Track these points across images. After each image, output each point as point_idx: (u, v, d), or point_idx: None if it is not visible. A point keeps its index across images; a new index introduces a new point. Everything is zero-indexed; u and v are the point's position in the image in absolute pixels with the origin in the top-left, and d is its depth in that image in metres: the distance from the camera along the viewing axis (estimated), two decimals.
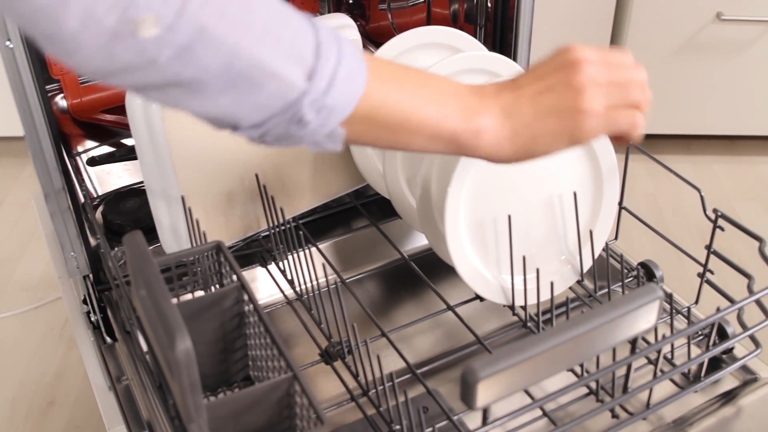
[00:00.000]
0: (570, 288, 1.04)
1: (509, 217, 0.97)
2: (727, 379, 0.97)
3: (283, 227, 1.07)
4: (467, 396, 0.65)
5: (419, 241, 1.23)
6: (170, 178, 1.01)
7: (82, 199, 1.10)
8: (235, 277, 0.87)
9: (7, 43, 0.94)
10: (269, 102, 0.60)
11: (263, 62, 0.58)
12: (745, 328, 0.91)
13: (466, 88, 0.68)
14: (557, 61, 0.70)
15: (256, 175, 1.08)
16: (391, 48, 1.08)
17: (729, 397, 0.95)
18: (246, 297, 0.86)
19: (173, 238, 1.05)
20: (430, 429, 0.82)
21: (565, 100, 0.68)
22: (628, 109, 0.70)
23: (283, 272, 1.08)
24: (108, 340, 1.11)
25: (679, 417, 0.93)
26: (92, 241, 1.12)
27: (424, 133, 0.66)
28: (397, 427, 0.85)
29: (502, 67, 1.04)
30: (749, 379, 0.97)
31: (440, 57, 1.04)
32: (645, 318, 0.71)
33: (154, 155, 0.99)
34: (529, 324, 1.01)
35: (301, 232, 1.07)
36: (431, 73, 0.69)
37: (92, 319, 1.13)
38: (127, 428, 0.97)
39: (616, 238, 1.11)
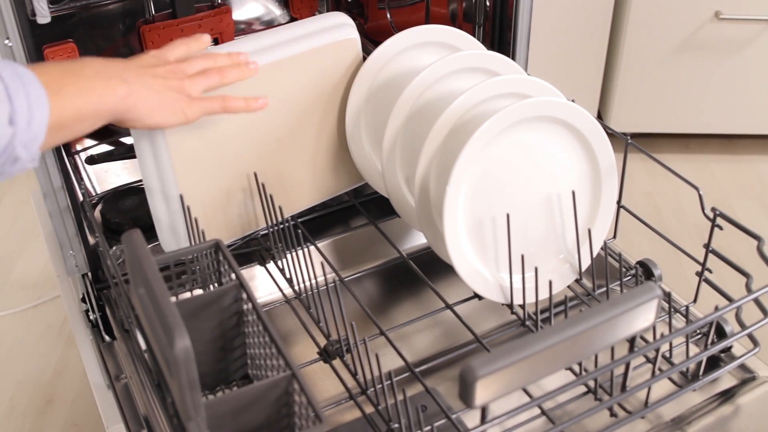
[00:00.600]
0: (568, 287, 1.04)
1: (508, 216, 0.97)
2: (726, 377, 0.98)
3: (281, 225, 1.07)
4: (466, 394, 0.65)
5: (418, 240, 1.23)
6: (169, 177, 1.01)
7: (81, 198, 1.10)
8: (233, 276, 0.87)
9: (6, 41, 0.94)
10: None
11: None
12: (743, 326, 0.91)
13: (108, 66, 0.83)
14: (160, 58, 0.91)
15: (255, 174, 1.08)
16: (390, 47, 1.08)
17: (727, 395, 0.95)
18: (245, 295, 0.86)
19: (172, 236, 1.05)
20: (429, 428, 0.82)
21: (174, 85, 0.89)
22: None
23: (282, 271, 1.08)
24: (107, 338, 1.11)
25: (678, 416, 0.93)
26: (91, 240, 1.12)
27: (91, 117, 0.80)
28: (396, 425, 0.85)
29: (500, 65, 1.04)
30: (747, 378, 0.98)
31: (439, 56, 1.04)
32: (643, 317, 0.71)
33: (152, 154, 0.99)
34: (527, 323, 1.01)
35: (299, 231, 1.07)
36: (81, 61, 0.81)
37: (91, 317, 1.13)
38: (125, 426, 0.97)
39: (614, 237, 1.11)
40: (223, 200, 1.07)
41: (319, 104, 1.10)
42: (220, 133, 1.03)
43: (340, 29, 1.10)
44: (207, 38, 0.97)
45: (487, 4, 1.28)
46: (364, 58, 1.10)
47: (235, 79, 0.96)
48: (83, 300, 1.15)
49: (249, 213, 1.10)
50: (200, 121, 0.99)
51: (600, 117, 2.63)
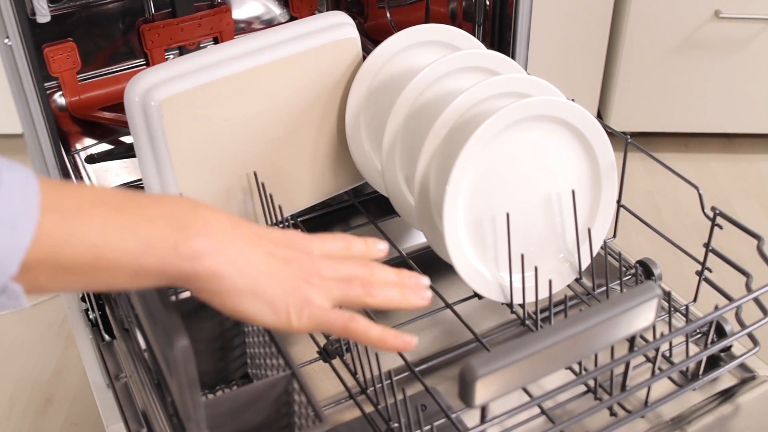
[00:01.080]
0: (568, 286, 1.04)
1: (507, 215, 0.97)
2: (726, 377, 0.98)
3: (281, 225, 1.07)
4: (465, 394, 0.65)
5: (418, 239, 1.22)
6: (168, 176, 1.00)
7: None
8: None
9: (6, 40, 0.94)
10: None
11: None
12: (743, 326, 0.91)
13: (180, 204, 0.59)
14: (296, 240, 0.68)
15: (255, 173, 1.08)
16: (389, 46, 1.08)
17: (727, 395, 0.95)
18: None
19: None
20: (428, 427, 0.83)
21: (295, 276, 0.64)
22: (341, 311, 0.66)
23: None
24: (106, 337, 1.11)
25: (678, 415, 0.93)
26: None
27: (123, 270, 0.56)
28: (395, 424, 0.85)
29: (500, 64, 1.04)
30: (747, 377, 0.98)
31: (438, 55, 1.04)
32: (643, 316, 0.71)
33: (152, 153, 0.99)
34: (527, 322, 1.01)
35: (299, 230, 1.07)
36: (134, 193, 0.59)
37: (90, 316, 1.13)
38: (125, 426, 0.97)
39: (614, 236, 1.11)
40: (222, 199, 1.07)
41: (319, 103, 1.10)
42: (219, 132, 1.03)
43: (339, 28, 1.09)
44: (385, 248, 0.74)
45: (487, 3, 1.28)
46: (364, 57, 1.10)
47: (392, 306, 0.70)
48: (83, 299, 1.15)
49: (249, 212, 1.10)
50: (198, 118, 0.98)
51: (600, 116, 2.63)
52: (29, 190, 0.52)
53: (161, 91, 0.96)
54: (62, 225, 0.53)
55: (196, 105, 0.99)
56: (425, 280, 0.71)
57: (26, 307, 0.54)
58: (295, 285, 0.64)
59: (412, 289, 0.70)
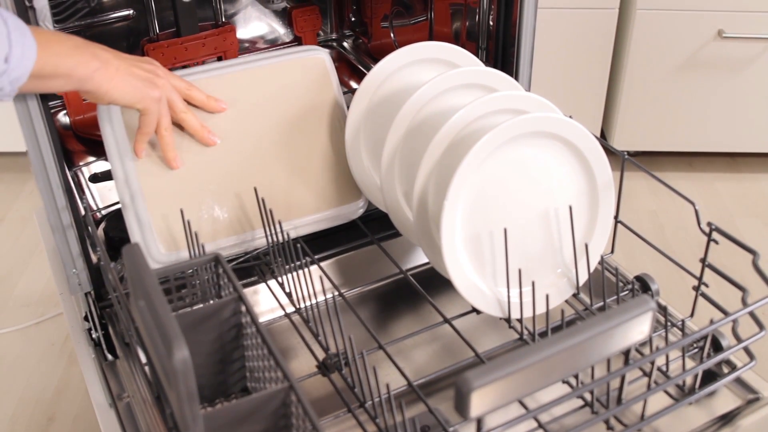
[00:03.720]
0: (566, 302, 1.05)
1: (505, 230, 0.98)
2: (730, 399, 0.97)
3: (278, 237, 1.08)
4: (461, 406, 0.66)
5: (419, 259, 1.23)
6: (132, 176, 1.07)
7: (83, 213, 1.11)
8: (232, 289, 0.88)
9: None
10: None
11: None
12: (739, 340, 0.91)
13: (95, 46, 0.98)
14: (152, 66, 1.05)
15: (255, 189, 1.09)
16: (389, 63, 1.10)
17: (731, 416, 0.95)
18: (243, 308, 0.87)
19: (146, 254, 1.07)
20: None
21: (146, 82, 1.02)
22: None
23: (282, 285, 1.09)
24: (109, 357, 1.11)
25: None
26: (94, 258, 1.13)
27: (66, 77, 0.94)
28: None
29: (498, 81, 1.05)
30: (752, 399, 0.97)
31: (437, 72, 1.05)
32: (638, 329, 0.72)
33: (118, 155, 1.08)
34: (524, 337, 1.01)
35: (299, 246, 1.08)
36: (71, 36, 0.97)
37: (93, 335, 1.14)
38: None
39: (612, 251, 1.11)
40: (191, 203, 1.10)
41: (294, 118, 1.13)
42: (180, 135, 1.10)
43: (310, 51, 1.18)
44: (225, 106, 1.13)
45: (491, 23, 1.29)
46: (365, 75, 1.11)
47: (190, 126, 1.09)
48: (86, 318, 1.15)
49: (217, 217, 1.11)
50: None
51: (603, 136, 2.64)
52: (29, 32, 0.89)
53: None
54: (44, 53, 0.90)
55: None
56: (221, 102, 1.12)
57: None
58: (145, 84, 1.02)
59: (207, 132, 1.11)
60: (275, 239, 1.09)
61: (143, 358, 0.89)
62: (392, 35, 1.56)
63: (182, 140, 1.09)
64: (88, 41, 0.99)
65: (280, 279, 1.09)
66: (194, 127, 1.09)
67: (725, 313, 0.91)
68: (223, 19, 1.51)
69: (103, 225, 1.27)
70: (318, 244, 1.20)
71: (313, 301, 1.01)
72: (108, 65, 0.98)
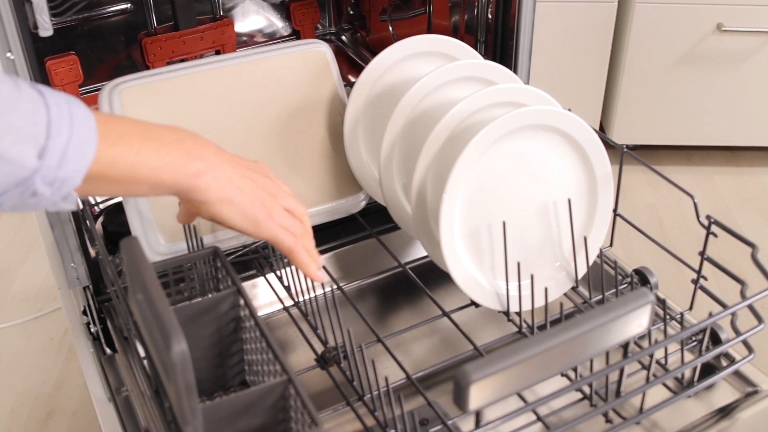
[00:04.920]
0: (565, 295, 1.05)
1: (504, 223, 0.98)
2: (729, 392, 0.98)
3: None
4: (460, 398, 0.66)
5: (418, 252, 1.23)
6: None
7: (81, 207, 1.11)
8: (231, 282, 0.87)
9: (8, 54, 0.95)
10: (2, 181, 0.65)
11: None
12: (738, 333, 0.91)
13: (184, 134, 0.79)
14: (264, 170, 0.87)
15: None
16: (387, 56, 1.09)
17: (730, 409, 0.95)
18: (242, 302, 0.87)
19: (147, 247, 1.07)
20: None
21: (263, 196, 0.84)
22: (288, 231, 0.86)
23: (280, 278, 1.08)
24: (108, 351, 1.11)
25: (680, 430, 0.93)
26: (92, 252, 1.13)
27: (148, 182, 0.75)
28: (392, 431, 0.85)
29: (497, 75, 1.05)
30: (750, 392, 0.98)
31: (436, 65, 1.05)
32: (637, 322, 0.72)
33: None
34: (523, 330, 1.01)
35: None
36: (156, 125, 0.77)
37: (92, 330, 1.14)
38: None
39: (611, 245, 1.11)
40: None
41: (294, 111, 1.13)
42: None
43: (311, 44, 1.17)
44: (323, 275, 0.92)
45: (489, 16, 1.29)
46: (363, 68, 1.11)
47: (298, 263, 0.88)
48: (84, 313, 1.15)
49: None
50: (160, 109, 1.06)
51: (602, 129, 2.64)
52: (91, 122, 0.69)
53: (126, 83, 1.06)
54: (112, 150, 0.71)
55: (157, 97, 1.06)
56: (321, 260, 0.91)
57: (76, 209, 0.74)
58: (262, 201, 0.83)
59: (317, 265, 0.89)
60: None
61: (142, 352, 0.89)
62: (391, 28, 1.56)
63: None
64: (201, 139, 0.80)
65: (278, 272, 1.09)
66: (303, 265, 0.88)
67: (724, 306, 0.91)
68: (221, 13, 1.50)
69: (101, 219, 1.27)
70: (316, 238, 1.19)
71: (312, 295, 1.01)
72: (213, 170, 0.79)
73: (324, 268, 1.07)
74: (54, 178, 0.67)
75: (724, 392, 0.98)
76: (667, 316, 0.97)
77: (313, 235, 0.90)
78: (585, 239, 1.02)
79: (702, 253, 0.97)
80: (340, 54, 1.66)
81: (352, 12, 1.69)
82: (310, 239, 0.89)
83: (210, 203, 0.80)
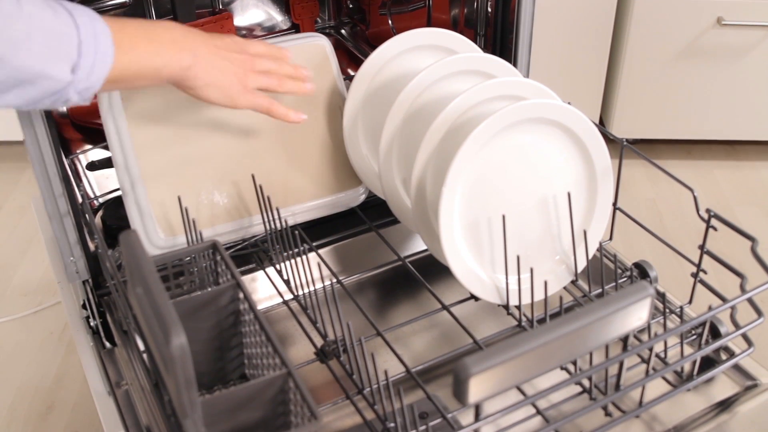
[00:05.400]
0: (565, 288, 1.05)
1: (504, 217, 0.98)
2: (729, 385, 0.98)
3: (275, 224, 1.08)
4: (459, 391, 0.66)
5: (417, 246, 1.23)
6: (132, 163, 1.06)
7: (81, 200, 1.11)
8: (230, 276, 0.87)
9: None
10: (43, 92, 0.79)
11: (32, 67, 0.76)
12: (737, 327, 0.91)
13: (178, 31, 0.91)
14: (239, 44, 0.99)
15: (252, 176, 1.09)
16: (387, 50, 1.09)
17: (729, 403, 0.96)
18: (241, 295, 0.87)
19: (147, 241, 1.07)
20: (424, 427, 0.83)
21: (238, 71, 0.96)
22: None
23: (279, 272, 1.08)
24: (107, 345, 1.11)
25: (679, 423, 0.93)
26: (91, 246, 1.13)
27: (151, 78, 0.88)
28: (392, 424, 0.85)
29: (497, 68, 1.05)
30: (750, 385, 0.98)
31: (435, 58, 1.05)
32: (636, 315, 0.72)
33: (119, 141, 1.06)
34: (523, 323, 1.01)
35: (297, 233, 1.08)
36: (154, 25, 0.90)
37: (91, 324, 1.14)
38: None
39: (610, 238, 1.11)
40: (190, 188, 1.10)
41: (295, 105, 1.12)
42: (180, 120, 1.09)
43: (311, 38, 1.17)
44: (286, 52, 1.06)
45: (489, 10, 1.29)
46: (363, 62, 1.11)
47: (290, 91, 1.03)
48: (84, 306, 1.15)
49: (215, 203, 1.11)
50: (159, 105, 1.07)
51: (602, 123, 2.64)
52: (109, 36, 0.81)
53: None
54: (125, 57, 0.83)
55: (156, 90, 1.05)
56: (307, 72, 1.05)
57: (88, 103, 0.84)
58: (238, 77, 0.96)
59: (304, 80, 1.04)
60: (273, 226, 1.09)
61: (141, 346, 0.89)
62: (390, 22, 1.56)
63: (182, 128, 1.08)
64: (188, 29, 0.93)
65: (278, 266, 1.09)
66: (281, 115, 1.03)
67: (724, 299, 0.91)
68: (221, 6, 1.50)
69: (100, 213, 1.27)
70: (316, 231, 1.19)
71: (311, 289, 1.01)
72: (200, 60, 0.92)
73: (323, 261, 1.08)
74: (84, 87, 0.80)
75: (723, 386, 0.98)
76: (667, 310, 0.97)
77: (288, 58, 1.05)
78: (585, 233, 1.02)
79: (702, 247, 0.97)
80: (339, 48, 1.66)
81: (351, 5, 1.69)
82: (289, 67, 1.04)
83: (197, 88, 0.93)
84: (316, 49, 1.16)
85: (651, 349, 0.86)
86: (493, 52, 1.27)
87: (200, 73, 0.92)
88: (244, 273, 1.15)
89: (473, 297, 1.02)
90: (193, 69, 0.91)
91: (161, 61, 0.88)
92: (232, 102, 0.97)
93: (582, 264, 1.04)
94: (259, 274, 1.15)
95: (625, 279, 1.07)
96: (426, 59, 1.09)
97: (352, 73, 1.58)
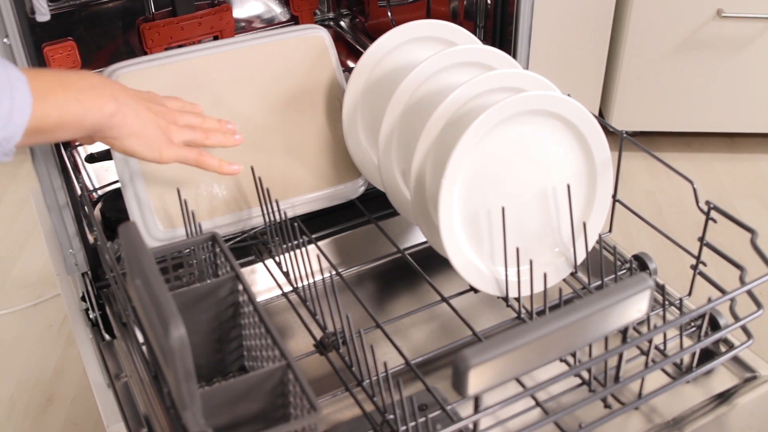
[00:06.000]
0: (564, 280, 1.05)
1: (503, 209, 0.97)
2: (728, 377, 0.98)
3: (275, 215, 1.08)
4: (459, 383, 0.66)
5: (417, 238, 1.23)
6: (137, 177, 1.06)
7: (80, 192, 1.11)
8: (230, 268, 0.87)
9: (5, 40, 0.94)
10: None
11: None
12: (737, 319, 0.91)
13: (95, 79, 0.87)
14: (159, 99, 0.97)
15: (252, 168, 1.09)
16: (386, 42, 1.09)
17: (729, 395, 0.96)
18: (241, 287, 0.87)
19: (146, 234, 1.07)
20: (423, 419, 0.83)
21: (162, 124, 0.93)
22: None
23: (279, 264, 1.08)
24: (107, 337, 1.11)
25: (679, 415, 0.93)
26: (90, 239, 1.13)
27: (73, 128, 0.84)
28: (391, 416, 0.85)
29: (496, 60, 1.05)
30: (749, 377, 0.98)
31: (435, 50, 1.05)
32: (636, 307, 0.72)
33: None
34: (522, 315, 1.01)
35: (296, 225, 1.08)
36: (68, 73, 0.88)
37: (91, 316, 1.14)
38: (125, 426, 0.97)
39: (610, 230, 1.11)
40: (190, 180, 1.10)
41: (294, 97, 1.12)
42: None
43: (310, 30, 1.17)
44: (201, 107, 1.04)
45: (488, 2, 1.28)
46: (362, 54, 1.10)
47: (217, 144, 1.00)
48: (83, 299, 1.15)
49: (215, 194, 1.11)
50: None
51: (602, 115, 2.64)
52: (25, 83, 0.77)
53: (124, 69, 1.07)
54: (43, 105, 0.79)
55: (155, 83, 1.06)
56: (232, 126, 1.03)
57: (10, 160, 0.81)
58: (162, 129, 0.93)
59: (231, 133, 1.02)
60: (272, 218, 1.08)
61: (140, 338, 0.89)
62: (389, 14, 1.55)
63: None
64: (105, 78, 0.90)
65: (277, 258, 1.09)
66: (213, 167, 1.00)
67: (723, 291, 0.91)
68: None
69: (99, 205, 1.26)
70: (315, 224, 1.19)
71: (311, 281, 1.01)
72: (123, 107, 0.88)
73: (322, 253, 1.08)
74: (2, 138, 0.77)
75: (722, 378, 0.98)
76: (666, 302, 0.97)
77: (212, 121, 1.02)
78: (584, 225, 1.02)
79: (701, 239, 0.97)
80: (338, 40, 1.66)
81: None
82: (213, 121, 1.01)
83: (121, 138, 0.89)
84: (315, 41, 1.15)
85: (650, 341, 0.86)
86: (493, 44, 1.26)
87: (125, 121, 0.88)
88: (243, 265, 1.15)
89: (472, 289, 1.02)
90: (116, 116, 0.87)
91: (82, 108, 0.84)
92: (159, 155, 0.93)
93: (581, 256, 1.04)
94: (259, 266, 1.15)
95: (624, 271, 1.07)
96: (425, 51, 1.08)
97: (351, 65, 1.58)
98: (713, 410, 0.94)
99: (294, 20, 1.60)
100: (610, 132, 1.07)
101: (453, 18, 1.40)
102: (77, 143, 1.37)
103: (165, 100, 0.98)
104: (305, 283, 1.03)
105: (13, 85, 0.76)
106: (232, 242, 1.14)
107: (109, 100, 0.86)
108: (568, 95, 0.98)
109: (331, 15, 1.72)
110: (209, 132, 0.99)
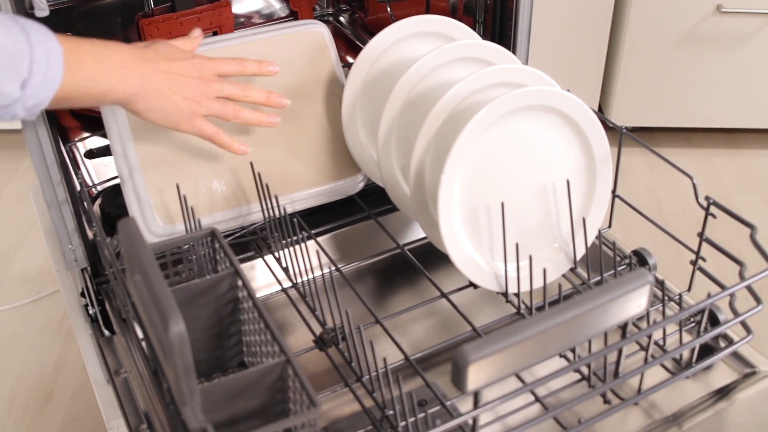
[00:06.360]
0: (564, 276, 1.05)
1: (502, 204, 0.97)
2: (727, 373, 0.98)
3: (274, 211, 1.08)
4: (458, 379, 0.66)
5: (416, 234, 1.23)
6: (130, 149, 1.06)
7: (79, 188, 1.11)
8: (229, 264, 0.87)
9: None
10: None
11: None
12: (736, 314, 0.91)
13: (127, 56, 0.91)
14: (198, 68, 0.97)
15: (251, 164, 1.09)
16: (386, 37, 1.09)
17: (728, 390, 0.96)
18: (240, 283, 0.86)
19: (145, 229, 1.07)
20: (423, 414, 0.83)
21: (189, 99, 0.96)
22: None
23: (278, 260, 1.08)
24: (106, 333, 1.11)
25: (679, 410, 0.93)
26: (90, 234, 1.13)
27: (95, 100, 0.91)
28: (390, 412, 0.85)
29: (496, 55, 1.05)
30: (749, 373, 0.98)
31: (434, 46, 1.04)
32: (635, 302, 0.72)
33: (117, 127, 1.06)
34: (521, 311, 1.01)
35: (295, 220, 1.08)
36: (104, 47, 0.90)
37: (90, 312, 1.14)
38: (125, 421, 0.97)
39: (609, 226, 1.11)
40: (189, 176, 1.09)
41: (293, 93, 1.12)
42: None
43: (309, 25, 1.16)
44: (276, 69, 1.05)
45: None
46: (361, 49, 1.10)
47: (248, 122, 1.03)
48: (82, 294, 1.15)
49: (215, 191, 1.11)
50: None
51: (601, 110, 2.63)
52: (60, 56, 0.82)
53: None
54: (72, 78, 0.84)
55: None
56: (280, 99, 1.04)
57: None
58: (187, 103, 0.96)
59: (268, 115, 1.04)
60: (272, 214, 1.08)
61: (140, 334, 0.89)
62: (389, 9, 1.55)
63: None
64: (141, 54, 0.93)
65: (276, 254, 1.09)
66: (225, 144, 1.02)
67: (722, 287, 0.91)
68: None
69: (99, 201, 1.26)
70: (315, 219, 1.19)
71: (310, 276, 1.01)
72: (146, 87, 0.92)
73: (322, 249, 1.08)
74: (32, 104, 0.82)
75: (722, 373, 0.98)
76: (666, 297, 0.98)
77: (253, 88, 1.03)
78: (584, 220, 1.02)
79: (701, 234, 0.97)
80: (338, 35, 1.65)
81: None
82: (252, 89, 1.02)
83: (141, 111, 0.94)
84: (314, 36, 1.15)
85: (650, 337, 0.86)
86: (492, 39, 1.26)
87: (145, 99, 0.93)
88: (242, 261, 1.15)
89: (472, 285, 1.02)
90: (137, 95, 0.92)
91: (106, 85, 0.89)
92: (175, 127, 0.97)
93: (581, 251, 1.04)
94: (258, 262, 1.15)
95: (624, 266, 1.07)
96: (425, 46, 1.08)
97: (350, 60, 1.57)
98: (713, 406, 0.94)
99: (293, 16, 1.60)
100: (609, 127, 1.07)
101: (452, 13, 1.40)
102: (76, 139, 1.37)
103: (211, 67, 0.99)
104: (305, 278, 1.03)
105: (50, 57, 0.81)
106: (231, 238, 1.14)
107: (134, 80, 0.91)
108: (568, 91, 0.98)
109: (330, 10, 1.72)
110: (239, 109, 1.00)
